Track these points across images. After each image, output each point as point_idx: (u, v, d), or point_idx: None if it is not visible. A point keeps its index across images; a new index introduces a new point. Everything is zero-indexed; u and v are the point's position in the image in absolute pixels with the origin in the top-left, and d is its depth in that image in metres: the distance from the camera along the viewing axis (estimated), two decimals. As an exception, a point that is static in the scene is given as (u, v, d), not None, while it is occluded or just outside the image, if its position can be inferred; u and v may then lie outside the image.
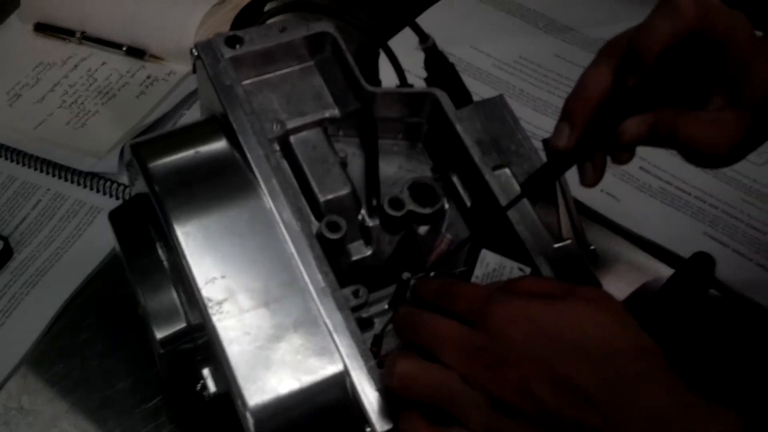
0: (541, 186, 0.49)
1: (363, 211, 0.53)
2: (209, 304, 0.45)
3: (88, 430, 0.58)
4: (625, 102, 0.45)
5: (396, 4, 0.74)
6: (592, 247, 0.57)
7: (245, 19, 0.63)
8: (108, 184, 0.71)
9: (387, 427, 0.43)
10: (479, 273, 0.48)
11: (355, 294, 0.47)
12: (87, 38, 0.82)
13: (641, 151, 0.71)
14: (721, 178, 0.72)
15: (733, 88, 0.46)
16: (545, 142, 0.55)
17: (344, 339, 0.44)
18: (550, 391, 0.37)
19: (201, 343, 0.51)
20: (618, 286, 0.63)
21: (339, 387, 0.44)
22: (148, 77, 0.79)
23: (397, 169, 0.56)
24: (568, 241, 0.53)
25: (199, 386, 0.52)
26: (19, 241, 0.68)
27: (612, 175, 0.72)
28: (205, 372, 0.49)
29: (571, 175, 0.51)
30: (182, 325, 0.50)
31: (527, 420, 0.38)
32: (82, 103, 0.77)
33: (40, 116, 0.76)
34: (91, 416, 0.58)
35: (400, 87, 0.56)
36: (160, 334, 0.50)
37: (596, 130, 0.46)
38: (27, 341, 0.62)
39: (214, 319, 0.45)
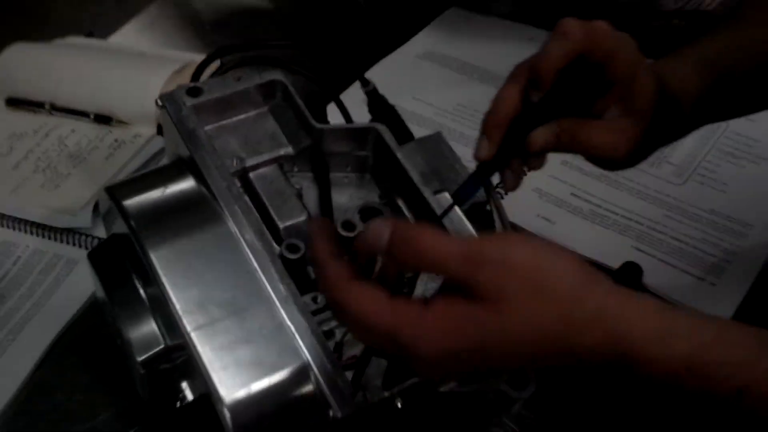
0: (469, 194, 0.56)
1: (319, 237, 0.59)
2: (184, 317, 0.51)
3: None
4: (531, 116, 0.53)
5: (343, 60, 0.82)
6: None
7: (201, 72, 0.70)
8: (83, 238, 0.77)
9: (348, 410, 0.48)
10: (424, 276, 0.54)
11: (314, 300, 0.54)
12: (56, 109, 0.89)
13: (572, 178, 0.80)
14: (645, 198, 0.79)
15: (624, 98, 0.54)
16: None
17: (306, 337, 0.51)
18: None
19: (178, 362, 0.56)
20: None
21: (304, 378, 0.50)
22: (116, 140, 0.86)
23: (348, 198, 0.63)
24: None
25: (178, 403, 0.57)
26: (3, 295, 0.73)
27: (546, 201, 0.80)
28: (184, 384, 0.55)
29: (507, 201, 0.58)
30: (161, 346, 0.56)
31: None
32: (55, 167, 0.83)
33: (16, 181, 0.82)
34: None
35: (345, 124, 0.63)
36: (140, 357, 0.56)
37: (510, 141, 0.53)
38: (15, 383, 0.67)
39: (189, 328, 0.51)
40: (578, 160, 0.80)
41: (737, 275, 0.72)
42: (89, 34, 1.01)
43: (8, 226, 0.79)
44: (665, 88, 0.55)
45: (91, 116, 0.88)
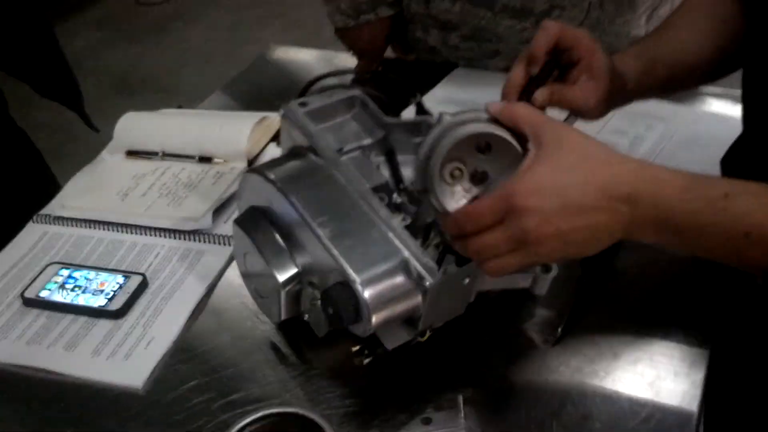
0: None
1: (394, 195, 0.85)
2: (321, 232, 0.76)
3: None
4: (533, 83, 0.81)
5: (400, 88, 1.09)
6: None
7: (306, 92, 0.97)
8: (206, 236, 1.03)
9: (436, 279, 0.73)
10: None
11: (403, 219, 0.79)
12: (167, 154, 1.16)
13: None
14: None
15: (588, 69, 0.82)
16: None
17: (402, 239, 0.76)
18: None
19: (308, 281, 0.81)
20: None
21: (405, 264, 0.74)
22: (217, 173, 1.13)
23: (410, 172, 0.88)
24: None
25: (306, 316, 0.82)
26: (152, 276, 0.98)
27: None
28: (316, 292, 0.80)
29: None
30: (295, 270, 0.81)
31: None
32: (175, 193, 1.10)
33: (146, 204, 1.08)
34: (231, 366, 0.86)
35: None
36: (281, 278, 0.81)
37: (521, 100, 0.81)
38: (170, 335, 0.91)
39: (324, 236, 0.76)
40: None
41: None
42: (179, 107, 1.30)
43: (146, 234, 1.04)
44: (616, 68, 0.84)
45: (196, 158, 1.15)
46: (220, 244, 1.01)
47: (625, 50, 0.88)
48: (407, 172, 0.88)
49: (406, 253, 0.75)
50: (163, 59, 3.47)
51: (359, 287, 0.73)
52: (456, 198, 0.71)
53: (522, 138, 0.69)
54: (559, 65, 0.84)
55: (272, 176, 0.82)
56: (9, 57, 1.15)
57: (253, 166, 0.82)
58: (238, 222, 0.86)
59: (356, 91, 0.90)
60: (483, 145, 0.69)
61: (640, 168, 0.65)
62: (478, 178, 0.71)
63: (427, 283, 0.73)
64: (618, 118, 1.16)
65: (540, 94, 0.81)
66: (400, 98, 0.95)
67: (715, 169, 0.95)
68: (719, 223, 0.63)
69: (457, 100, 1.25)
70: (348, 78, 1.10)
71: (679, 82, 0.93)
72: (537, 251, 0.66)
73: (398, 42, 1.39)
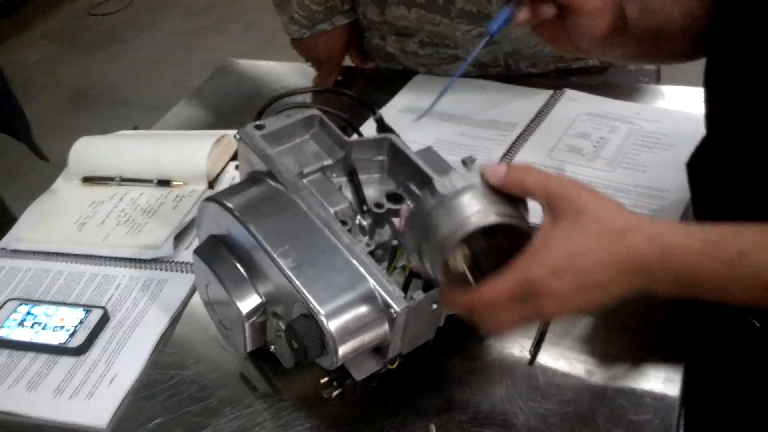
0: (499, 26, 0.80)
1: (358, 217, 0.83)
2: (282, 262, 0.74)
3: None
4: None
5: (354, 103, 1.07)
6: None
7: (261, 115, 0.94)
8: (168, 264, 1.00)
9: (404, 305, 0.71)
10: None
11: (367, 245, 0.77)
12: (125, 179, 1.13)
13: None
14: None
15: None
16: (464, 161, 0.88)
17: (366, 267, 0.73)
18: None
19: (272, 311, 0.78)
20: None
21: (371, 292, 0.72)
22: (177, 196, 1.10)
23: (374, 191, 0.86)
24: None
25: (272, 347, 0.79)
26: (113, 309, 0.95)
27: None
28: (280, 323, 0.77)
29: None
30: (258, 300, 0.79)
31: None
32: (134, 220, 1.07)
33: (104, 232, 1.05)
34: (198, 401, 0.83)
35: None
36: (244, 309, 0.78)
37: None
38: (134, 370, 0.88)
39: (287, 268, 0.73)
40: (535, 164, 1.06)
41: (661, 224, 0.97)
42: (135, 128, 1.26)
43: (106, 264, 1.01)
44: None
45: (155, 182, 1.12)
46: (182, 272, 0.98)
47: None
48: (370, 192, 0.86)
49: (372, 281, 0.73)
50: (118, 70, 3.41)
51: (324, 319, 0.71)
52: (460, 278, 0.67)
53: (522, 201, 0.66)
54: None
55: (230, 205, 0.79)
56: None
57: (210, 194, 0.79)
58: (198, 252, 0.83)
59: (314, 111, 0.87)
60: (488, 228, 0.64)
61: (653, 239, 0.62)
62: (484, 257, 0.66)
63: (394, 312, 0.71)
64: (581, 121, 1.15)
65: None
66: (359, 114, 0.92)
67: (681, 172, 0.94)
68: (738, 281, 0.61)
69: (419, 108, 1.23)
70: (305, 97, 1.06)
71: (665, 44, 0.88)
72: (549, 320, 0.67)
73: (356, 50, 1.36)
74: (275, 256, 0.74)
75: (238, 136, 0.85)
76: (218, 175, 1.13)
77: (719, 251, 0.61)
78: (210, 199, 0.82)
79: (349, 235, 0.76)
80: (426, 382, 0.81)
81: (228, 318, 0.82)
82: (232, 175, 1.11)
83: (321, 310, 0.71)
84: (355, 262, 0.74)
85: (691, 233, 0.62)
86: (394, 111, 1.24)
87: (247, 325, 0.79)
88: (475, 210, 0.64)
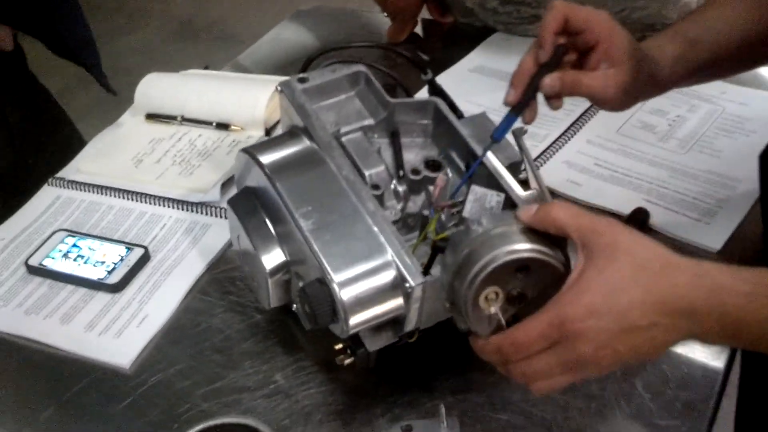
0: (503, 131, 0.75)
1: (394, 181, 0.80)
2: (302, 222, 0.72)
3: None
4: (543, 70, 0.74)
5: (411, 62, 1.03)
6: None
7: (307, 66, 0.92)
8: (213, 209, 0.99)
9: (420, 281, 0.68)
10: (471, 198, 0.74)
11: (393, 213, 0.74)
12: (186, 119, 1.13)
13: (595, 152, 0.99)
14: (654, 165, 0.98)
15: (608, 54, 0.74)
16: (514, 132, 0.83)
17: (388, 236, 0.71)
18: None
19: (295, 272, 0.77)
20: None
21: (388, 264, 0.69)
22: (233, 141, 1.09)
23: (414, 155, 0.83)
24: (534, 189, 0.80)
25: (294, 306, 0.78)
26: (154, 249, 0.96)
27: (574, 170, 0.99)
28: (300, 284, 0.75)
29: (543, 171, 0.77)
30: (282, 259, 0.77)
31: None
32: (189, 161, 1.07)
33: (159, 171, 1.06)
34: (220, 351, 0.83)
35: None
36: (268, 266, 0.77)
37: (529, 88, 0.74)
38: (168, 309, 0.88)
39: (306, 229, 0.71)
40: (600, 139, 1.01)
41: (727, 216, 0.90)
42: (206, 67, 1.26)
43: (155, 203, 1.02)
44: (646, 54, 0.76)
45: (214, 124, 1.11)
46: (226, 218, 0.97)
47: (660, 33, 0.80)
48: (410, 156, 0.83)
49: (391, 252, 0.70)
50: (229, 4, 3.43)
51: (336, 287, 0.68)
52: (492, 322, 0.63)
53: (560, 241, 0.62)
54: (577, 50, 0.76)
55: (261, 159, 0.78)
56: (22, 12, 1.12)
57: (244, 147, 0.77)
58: (231, 203, 0.82)
59: (360, 67, 0.84)
60: (521, 265, 0.61)
61: (697, 277, 0.56)
62: (516, 299, 0.63)
63: (409, 286, 0.68)
64: (660, 96, 1.07)
65: (548, 80, 0.74)
66: (412, 76, 0.88)
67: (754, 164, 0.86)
68: None
69: (492, 70, 1.18)
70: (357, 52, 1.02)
71: (723, 66, 0.83)
72: (591, 371, 0.59)
73: (434, 3, 1.31)
74: (297, 216, 0.73)
75: (279, 88, 0.82)
76: (276, 123, 1.11)
77: None
78: (245, 150, 0.80)
79: (375, 202, 0.74)
80: (445, 360, 0.78)
81: (255, 271, 0.81)
82: (290, 124, 1.09)
83: (334, 278, 0.69)
84: (376, 230, 0.72)
85: (740, 274, 0.56)
86: (464, 70, 1.19)
87: (270, 281, 0.78)
88: (504, 246, 0.61)
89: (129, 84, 1.18)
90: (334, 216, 0.73)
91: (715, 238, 0.87)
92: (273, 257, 0.77)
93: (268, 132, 1.10)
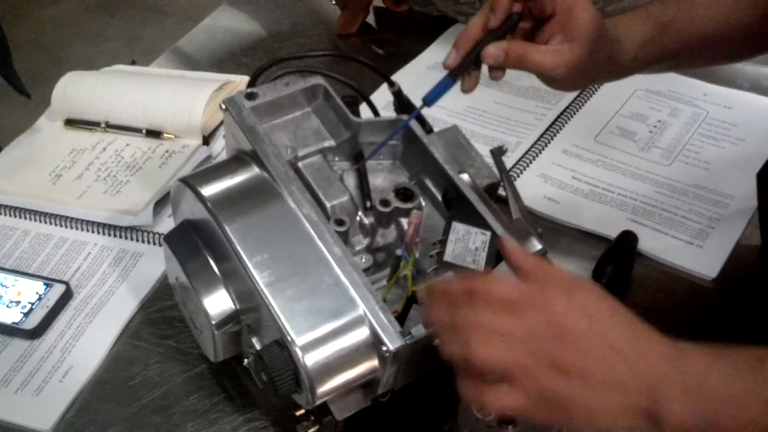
0: (437, 96, 0.69)
1: (360, 213, 0.70)
2: (257, 275, 0.61)
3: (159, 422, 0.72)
4: (489, 37, 0.66)
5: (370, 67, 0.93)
6: (540, 230, 0.73)
7: (255, 80, 0.80)
8: (145, 234, 0.87)
9: (399, 344, 0.58)
10: (452, 238, 0.64)
11: (363, 259, 0.64)
12: (111, 126, 1.00)
13: (572, 164, 0.90)
14: (637, 178, 0.90)
15: (564, 28, 0.65)
16: (492, 152, 0.74)
17: (359, 289, 0.61)
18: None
19: (246, 323, 0.66)
20: (562, 262, 0.80)
21: (360, 321, 0.60)
22: (167, 151, 0.97)
23: (382, 180, 0.73)
24: (518, 218, 0.70)
25: (246, 361, 0.67)
26: (77, 285, 0.83)
27: (551, 185, 0.90)
28: (254, 340, 0.65)
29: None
30: (231, 309, 0.66)
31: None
32: (115, 176, 0.94)
33: (81, 189, 0.93)
34: (159, 411, 0.73)
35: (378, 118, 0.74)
36: (214, 317, 0.66)
37: (471, 54, 0.66)
38: (96, 358, 0.77)
39: (262, 284, 0.61)
40: (577, 149, 0.92)
41: (721, 239, 0.82)
42: (132, 63, 1.12)
43: (77, 228, 0.89)
44: (610, 32, 0.68)
45: (143, 131, 0.99)
46: (161, 245, 0.85)
47: (629, 12, 0.72)
48: (378, 181, 0.73)
49: (363, 308, 0.61)
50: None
51: (299, 352, 0.59)
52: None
53: None
54: (533, 18, 0.68)
55: (204, 193, 0.66)
56: None
57: (183, 176, 0.66)
58: (168, 240, 0.70)
59: (319, 80, 0.73)
60: None
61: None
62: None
63: (386, 350, 0.59)
64: (638, 99, 0.99)
65: (491, 48, 0.66)
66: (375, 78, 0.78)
67: (750, 176, 0.79)
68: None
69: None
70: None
71: (694, 57, 0.77)
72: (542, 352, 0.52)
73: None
74: (250, 267, 0.62)
75: (224, 106, 0.71)
76: (216, 129, 0.99)
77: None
78: (183, 180, 0.69)
79: (342, 245, 0.63)
80: (422, 416, 0.69)
81: (199, 320, 0.70)
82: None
83: (297, 340, 0.59)
84: (345, 281, 0.62)
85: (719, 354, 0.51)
86: (422, 67, 1.09)
87: (216, 334, 0.67)
88: None
89: (49, 63, 1.04)
90: (295, 265, 0.62)
91: (710, 264, 0.80)
92: (220, 306, 0.66)
93: (206, 140, 0.98)
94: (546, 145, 0.94)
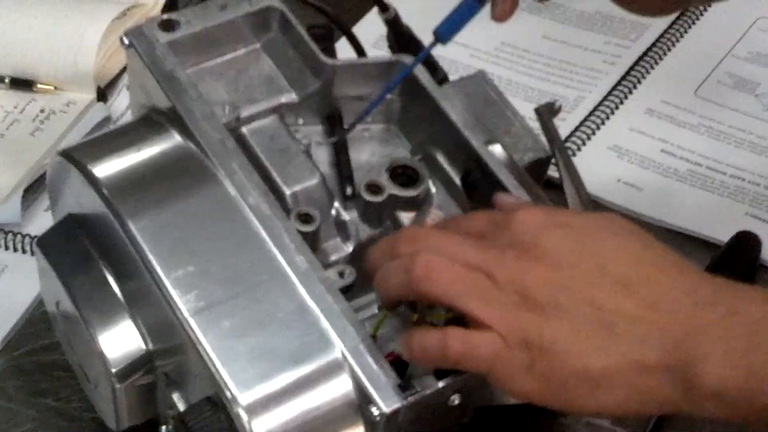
0: (454, 28, 0.72)
1: (336, 204, 0.70)
2: (178, 299, 0.61)
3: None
4: None
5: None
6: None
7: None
8: (10, 236, 0.88)
9: (396, 405, 0.58)
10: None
11: (341, 275, 0.64)
12: (-42, 73, 1.00)
13: (661, 130, 0.91)
14: (761, 152, 0.91)
15: None
16: (539, 111, 0.75)
17: (335, 319, 0.61)
18: (604, 291, 0.55)
19: (163, 371, 0.67)
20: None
21: (337, 368, 0.60)
22: (42, 111, 0.98)
23: (370, 154, 0.74)
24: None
25: (163, 429, 0.68)
26: None
27: (629, 162, 0.91)
28: (175, 397, 0.65)
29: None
30: (142, 350, 0.67)
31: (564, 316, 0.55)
32: (-36, 149, 0.95)
33: None
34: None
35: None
36: (115, 366, 0.66)
37: None
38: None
39: (186, 313, 0.61)
40: (669, 108, 0.93)
41: None
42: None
43: None
44: None
45: (6, 80, 1.00)
46: (33, 253, 0.86)
47: None
48: (363, 156, 0.75)
49: (341, 348, 0.61)
50: None
51: (243, 415, 0.59)
52: None
53: None
54: None
55: (98, 174, 0.67)
56: None
57: (66, 147, 0.67)
58: (42, 244, 0.71)
59: (273, 0, 0.74)
60: None
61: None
62: None
63: (377, 413, 0.59)
64: (759, 32, 1.02)
65: None
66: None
67: None
68: None
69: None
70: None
71: None
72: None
73: None
74: (168, 285, 0.62)
75: (126, 41, 0.71)
76: (117, 77, 1.01)
77: None
78: (67, 155, 0.70)
79: (310, 254, 0.64)
80: None
81: (91, 367, 0.71)
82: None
83: (240, 398, 0.59)
84: (314, 307, 0.62)
85: None
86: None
87: (119, 388, 0.68)
88: None
89: None
90: (236, 284, 0.63)
91: None
92: (123, 346, 0.67)
93: (102, 94, 1.00)
94: (621, 103, 0.95)
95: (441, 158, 0.72)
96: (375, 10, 0.77)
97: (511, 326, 0.55)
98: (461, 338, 0.56)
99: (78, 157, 0.68)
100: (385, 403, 0.59)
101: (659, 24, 1.01)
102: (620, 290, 0.55)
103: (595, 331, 0.54)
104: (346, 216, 0.71)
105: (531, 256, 0.56)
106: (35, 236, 0.87)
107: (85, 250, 0.69)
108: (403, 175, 0.71)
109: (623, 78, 0.98)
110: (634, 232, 0.58)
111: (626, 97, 0.96)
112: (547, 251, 0.56)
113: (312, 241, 0.67)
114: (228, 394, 0.59)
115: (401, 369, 0.62)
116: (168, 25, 0.72)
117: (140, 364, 0.67)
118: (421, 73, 0.73)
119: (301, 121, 0.73)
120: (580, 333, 0.54)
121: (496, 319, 0.55)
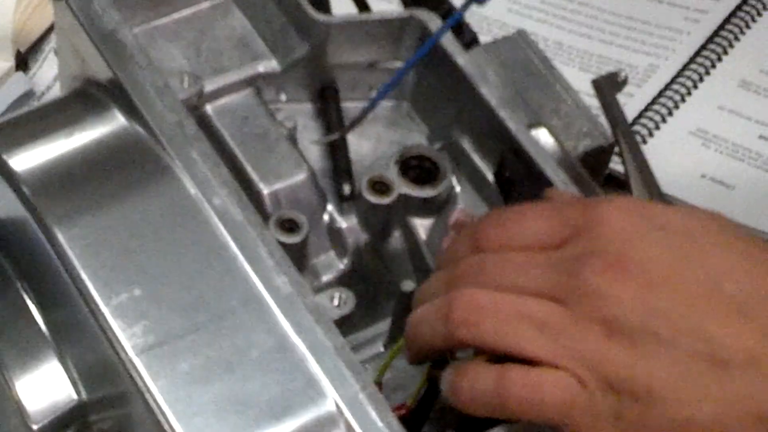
0: None
1: (330, 207, 0.71)
2: (120, 333, 0.61)
3: None
4: None
5: None
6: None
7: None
8: None
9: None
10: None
11: (335, 300, 0.64)
12: None
13: (759, 110, 0.92)
14: None
15: None
16: (598, 84, 0.75)
17: (327, 359, 0.61)
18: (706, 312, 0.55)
19: (100, 428, 0.67)
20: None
21: (330, 427, 0.60)
22: (-55, 83, 0.99)
23: (376, 141, 0.74)
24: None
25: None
26: None
27: (716, 151, 0.91)
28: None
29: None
30: (72, 401, 0.67)
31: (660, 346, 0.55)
32: None
33: None
34: None
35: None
36: (37, 422, 0.67)
37: None
38: None
39: (130, 351, 0.61)
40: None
41: None
42: None
43: None
44: None
45: None
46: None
47: None
48: (367, 146, 0.76)
49: (335, 399, 0.61)
50: None
51: None
52: None
53: None
54: None
55: (16, 168, 0.68)
56: None
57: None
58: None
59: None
60: None
61: None
62: None
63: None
64: None
65: None
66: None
67: None
68: None
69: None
70: None
71: None
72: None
73: None
74: (107, 314, 0.62)
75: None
76: (41, 38, 1.02)
77: None
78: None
79: (295, 273, 0.64)
80: None
81: (4, 421, 0.72)
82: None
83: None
84: (299, 344, 0.62)
85: None
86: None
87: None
88: None
89: None
90: (198, 312, 0.63)
91: None
92: (48, 396, 0.68)
93: (23, 61, 1.02)
94: (707, 73, 0.96)
95: (468, 146, 0.73)
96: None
97: (588, 363, 0.55)
98: (524, 379, 0.56)
99: (-8, 144, 0.69)
100: (396, 475, 0.60)
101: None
102: (735, 316, 0.55)
103: (704, 372, 0.54)
104: (342, 223, 0.72)
105: (619, 271, 0.56)
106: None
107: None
108: (417, 168, 0.71)
109: (710, 40, 0.99)
110: (740, 236, 0.59)
111: (714, 66, 0.97)
112: (641, 264, 0.56)
113: (298, 256, 0.68)
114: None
115: (414, 426, 0.62)
116: (111, -28, 0.72)
117: (69, 418, 0.68)
118: (449, 41, 0.73)
119: (283, 96, 0.74)
120: (684, 373, 0.54)
121: (567, 356, 0.56)
